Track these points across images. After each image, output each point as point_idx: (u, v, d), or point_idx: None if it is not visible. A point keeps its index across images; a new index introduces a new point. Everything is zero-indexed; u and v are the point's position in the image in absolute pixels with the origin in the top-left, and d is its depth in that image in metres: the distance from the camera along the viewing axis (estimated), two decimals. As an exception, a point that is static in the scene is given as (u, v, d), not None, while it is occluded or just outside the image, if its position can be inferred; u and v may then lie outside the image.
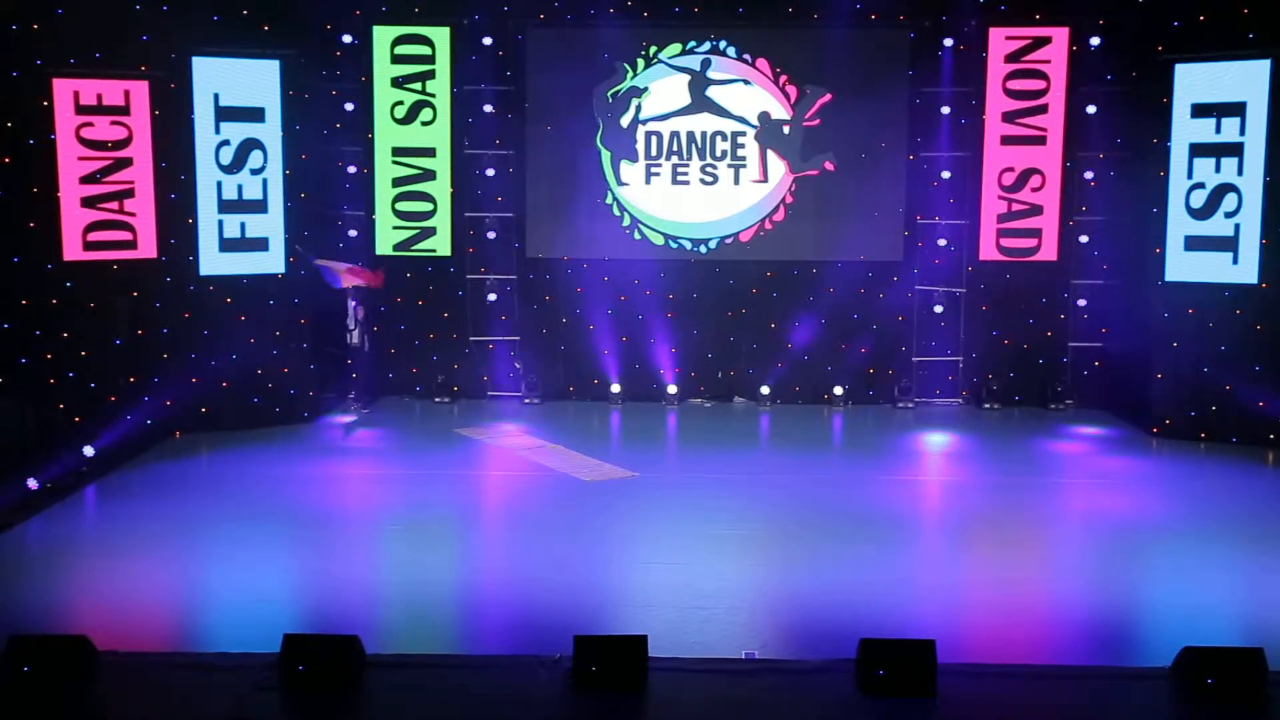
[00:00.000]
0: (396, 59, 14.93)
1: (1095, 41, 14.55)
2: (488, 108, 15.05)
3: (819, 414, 14.85)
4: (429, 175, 15.03)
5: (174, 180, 13.07)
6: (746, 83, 14.96)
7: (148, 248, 12.97)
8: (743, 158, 15.01)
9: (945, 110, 14.88)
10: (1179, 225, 13.50)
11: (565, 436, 13.36)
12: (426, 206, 15.05)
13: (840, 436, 14.20)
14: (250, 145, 13.44)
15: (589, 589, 8.65)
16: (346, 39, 14.81)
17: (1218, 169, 13.25)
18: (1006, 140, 14.76)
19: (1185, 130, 13.38)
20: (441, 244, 15.10)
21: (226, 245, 13.45)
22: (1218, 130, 13.22)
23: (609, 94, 15.01)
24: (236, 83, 13.32)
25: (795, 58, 14.87)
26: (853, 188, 14.94)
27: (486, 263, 15.27)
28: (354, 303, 14.25)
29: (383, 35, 14.89)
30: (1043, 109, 14.72)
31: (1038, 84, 14.75)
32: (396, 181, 15.01)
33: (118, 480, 11.54)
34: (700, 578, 8.83)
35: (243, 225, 13.50)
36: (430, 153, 15.00)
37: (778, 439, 13.92)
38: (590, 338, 15.24)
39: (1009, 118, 14.75)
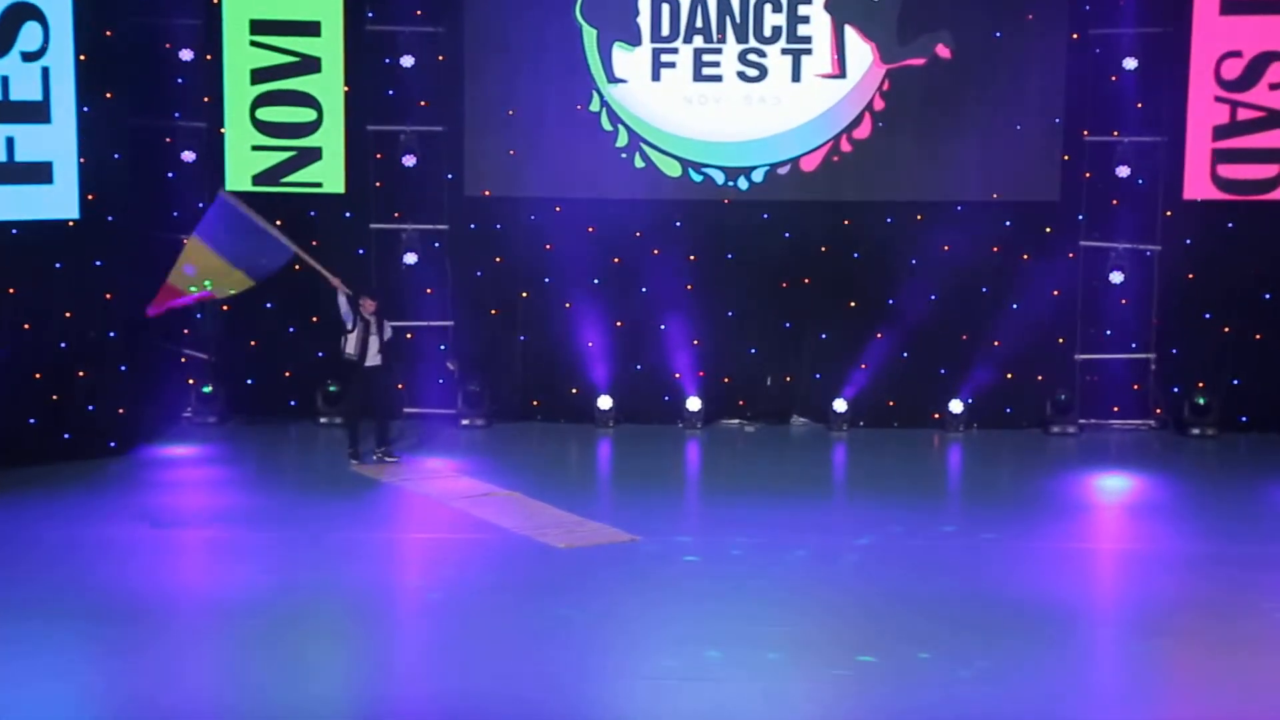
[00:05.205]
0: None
1: None
2: (404, -44, 14.85)
3: (926, 442, 15.25)
4: (310, 65, 15.03)
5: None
6: (812, -81, 14.66)
7: None
8: (806, 37, 14.96)
9: (1132, -40, 14.51)
10: None
11: (526, 478, 13.56)
12: (306, 115, 15.06)
13: (959, 479, 14.51)
14: (20, 14, 13.27)
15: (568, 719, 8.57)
16: None
17: None
18: (1230, 7, 14.47)
19: None
20: (329, 175, 15.21)
21: (-18, 173, 12.86)
22: None
23: (597, -63, 14.60)
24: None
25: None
26: (979, 88, 14.84)
27: (401, 205, 15.37)
28: (373, 314, 13.89)
29: None
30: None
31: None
32: (258, 75, 15.00)
33: None
34: (734, 701, 8.77)
35: (9, 141, 13.39)
36: (312, 28, 15.04)
37: (860, 483, 14.25)
38: (565, 323, 15.37)
39: (1236, -30, 14.32)
